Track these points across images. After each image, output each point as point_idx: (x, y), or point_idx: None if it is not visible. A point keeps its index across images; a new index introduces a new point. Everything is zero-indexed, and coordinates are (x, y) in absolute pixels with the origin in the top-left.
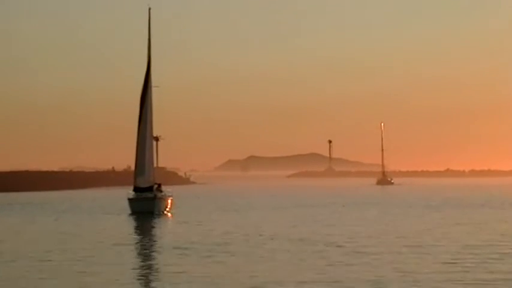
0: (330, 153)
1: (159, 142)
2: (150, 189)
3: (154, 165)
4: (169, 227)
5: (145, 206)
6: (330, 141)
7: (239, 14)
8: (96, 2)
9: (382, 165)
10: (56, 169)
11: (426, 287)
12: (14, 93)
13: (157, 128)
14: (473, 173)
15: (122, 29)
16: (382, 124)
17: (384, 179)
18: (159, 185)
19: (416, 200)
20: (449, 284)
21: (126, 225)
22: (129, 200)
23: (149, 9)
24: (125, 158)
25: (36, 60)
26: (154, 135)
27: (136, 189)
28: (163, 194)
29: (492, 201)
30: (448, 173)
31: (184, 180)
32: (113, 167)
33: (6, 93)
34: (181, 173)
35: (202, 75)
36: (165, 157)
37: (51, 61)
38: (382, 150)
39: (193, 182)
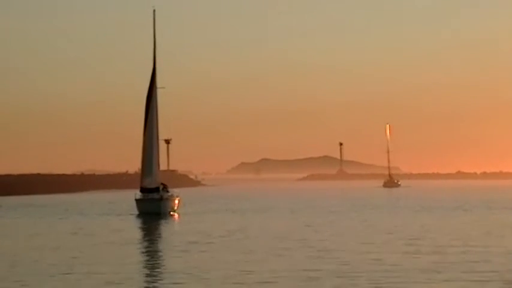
0: (341, 156)
1: (170, 145)
2: (156, 190)
3: (166, 167)
4: (174, 226)
5: (152, 207)
6: (341, 144)
7: (248, 14)
8: (101, 3)
9: (389, 168)
10: (68, 172)
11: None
12: (26, 97)
13: (169, 130)
14: (485, 175)
15: (127, 31)
16: (388, 125)
17: (391, 181)
18: (165, 186)
19: (413, 202)
20: None
21: (132, 225)
22: (136, 200)
23: (154, 10)
24: (137, 160)
25: (45, 64)
26: (165, 138)
27: (143, 190)
28: (169, 194)
29: (480, 204)
30: (460, 175)
31: (195, 183)
32: (127, 170)
33: (19, 97)
34: (192, 176)
35: (215, 78)
36: (177, 160)
37: (59, 63)
38: (388, 152)
39: (204, 184)
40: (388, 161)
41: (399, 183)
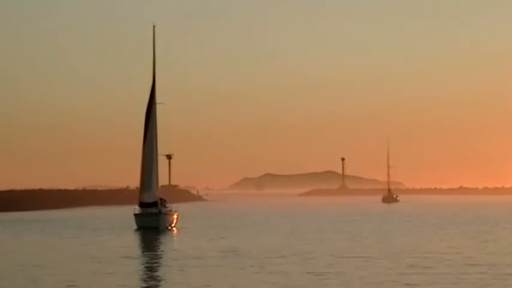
0: (343, 171)
1: (172, 160)
2: (154, 204)
3: (167, 183)
4: (170, 241)
5: (151, 221)
6: (343, 159)
7: (248, 28)
8: (101, 19)
9: (388, 183)
10: (71, 188)
11: None
12: (27, 112)
13: (170, 146)
14: (487, 190)
15: (127, 47)
16: (388, 141)
17: (389, 197)
18: (164, 201)
19: (398, 217)
20: None
21: (129, 239)
22: (135, 215)
23: (153, 26)
24: (138, 176)
25: (48, 79)
26: (167, 153)
27: (141, 205)
28: (168, 209)
29: (472, 219)
30: (461, 190)
31: (196, 198)
32: (127, 186)
33: (20, 112)
34: (194, 191)
35: (218, 93)
36: (180, 175)
37: (62, 79)
38: (388, 167)
39: (206, 200)
40: (388, 176)
41: (398, 198)
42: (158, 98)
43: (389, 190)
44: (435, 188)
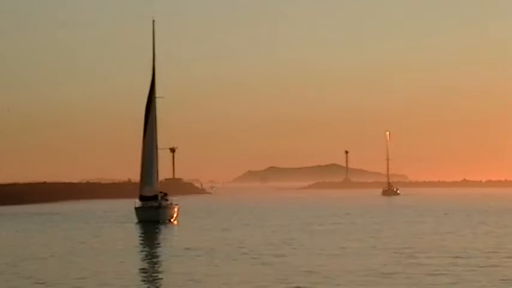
0: (346, 164)
1: (175, 153)
2: (155, 198)
3: (171, 176)
4: (171, 234)
5: (151, 215)
6: (346, 152)
7: (252, 21)
8: (100, 13)
9: (388, 175)
10: (75, 181)
11: None
12: (31, 105)
13: (172, 139)
14: (490, 183)
15: (127, 41)
16: (388, 133)
17: (390, 190)
18: (165, 194)
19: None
20: None
21: (130, 233)
22: (136, 209)
23: (153, 21)
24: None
25: (51, 74)
26: (170, 146)
27: (142, 198)
28: (168, 202)
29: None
30: (465, 183)
31: (200, 191)
32: (129, 179)
33: (24, 106)
34: (198, 184)
35: (223, 86)
36: (185, 168)
37: (65, 73)
38: (388, 159)
39: (209, 193)
40: (387, 169)
41: (398, 191)
42: (158, 92)
43: (389, 183)
44: (439, 181)
